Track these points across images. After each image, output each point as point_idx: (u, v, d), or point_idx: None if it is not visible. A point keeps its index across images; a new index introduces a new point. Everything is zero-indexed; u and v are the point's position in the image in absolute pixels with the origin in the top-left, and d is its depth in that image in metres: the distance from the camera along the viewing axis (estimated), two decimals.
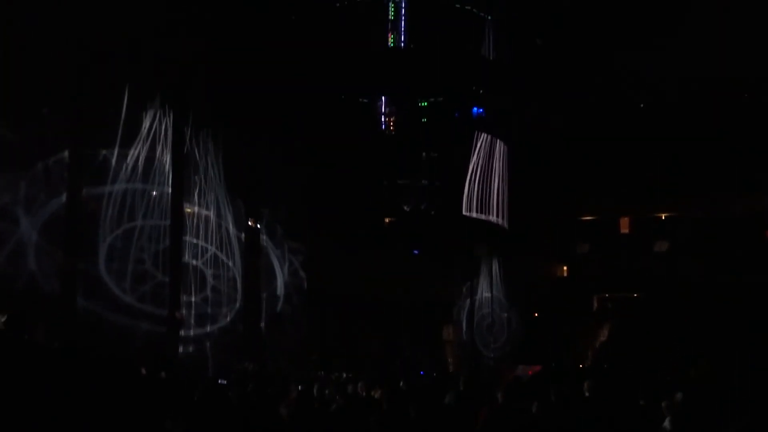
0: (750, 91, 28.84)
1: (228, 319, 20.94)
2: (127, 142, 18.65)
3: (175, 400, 11.34)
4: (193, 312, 20.04)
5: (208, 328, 20.38)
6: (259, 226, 23.40)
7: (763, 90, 28.12)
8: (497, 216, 31.90)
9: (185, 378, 14.78)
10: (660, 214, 33.18)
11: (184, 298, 19.46)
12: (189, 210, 20.23)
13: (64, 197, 17.31)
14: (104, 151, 18.28)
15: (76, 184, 17.31)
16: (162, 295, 18.44)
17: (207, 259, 20.82)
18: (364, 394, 11.91)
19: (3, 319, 14.68)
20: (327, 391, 12.51)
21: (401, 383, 13.99)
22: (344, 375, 16.49)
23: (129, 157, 18.66)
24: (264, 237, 23.64)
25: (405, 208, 31.82)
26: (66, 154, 17.46)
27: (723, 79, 28.46)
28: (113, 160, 18.36)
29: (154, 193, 19.37)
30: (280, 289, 23.87)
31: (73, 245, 17.25)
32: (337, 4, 29.97)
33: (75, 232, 17.34)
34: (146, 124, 19.20)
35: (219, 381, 14.90)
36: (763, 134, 27.46)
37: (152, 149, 19.18)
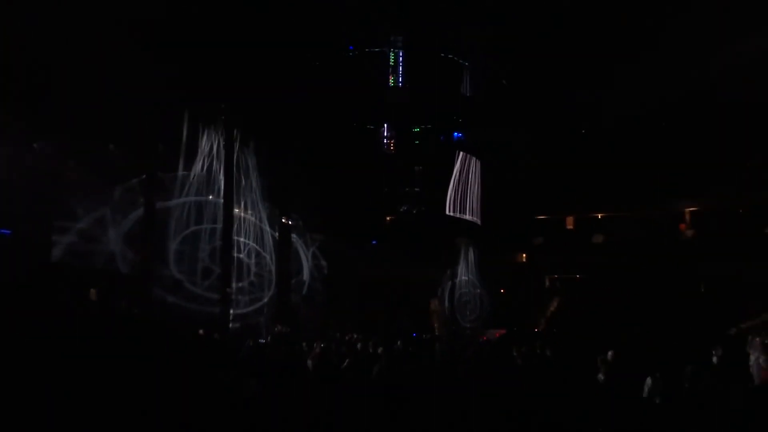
0: (672, 118, 28.55)
1: (267, 298, 21.01)
2: (188, 163, 18.73)
3: (225, 353, 11.63)
4: (241, 294, 20.11)
5: (253, 306, 20.48)
6: (290, 223, 23.48)
7: (683, 112, 27.56)
8: (473, 215, 32.09)
9: (234, 338, 15.07)
10: (597, 214, 33.33)
11: (235, 284, 19.55)
12: (235, 213, 20.31)
13: (140, 212, 17.42)
14: (171, 173, 18.41)
15: (150, 201, 17.39)
16: (221, 284, 18.56)
17: (248, 252, 20.85)
18: (369, 350, 12.15)
19: (95, 291, 14.89)
20: (342, 349, 12.76)
21: (398, 343, 14.23)
22: (354, 336, 16.66)
23: (190, 176, 18.71)
24: (292, 233, 23.70)
25: (401, 209, 32.00)
26: (136, 179, 17.58)
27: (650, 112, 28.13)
28: (178, 180, 18.48)
29: (210, 198, 19.39)
30: (306, 273, 23.97)
31: (150, 249, 17.37)
32: (351, 54, 30.28)
33: (151, 239, 17.43)
34: (202, 146, 19.24)
35: (260, 340, 15.17)
36: (676, 155, 27.57)
37: (207, 166, 19.20)
